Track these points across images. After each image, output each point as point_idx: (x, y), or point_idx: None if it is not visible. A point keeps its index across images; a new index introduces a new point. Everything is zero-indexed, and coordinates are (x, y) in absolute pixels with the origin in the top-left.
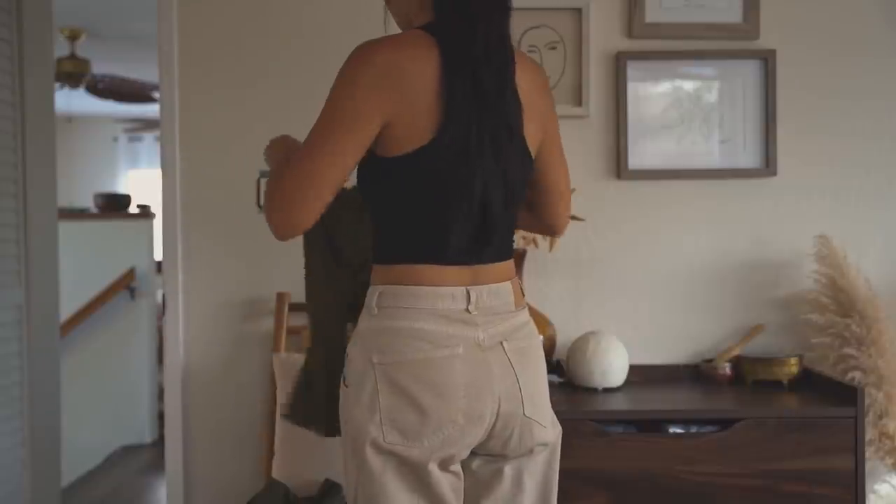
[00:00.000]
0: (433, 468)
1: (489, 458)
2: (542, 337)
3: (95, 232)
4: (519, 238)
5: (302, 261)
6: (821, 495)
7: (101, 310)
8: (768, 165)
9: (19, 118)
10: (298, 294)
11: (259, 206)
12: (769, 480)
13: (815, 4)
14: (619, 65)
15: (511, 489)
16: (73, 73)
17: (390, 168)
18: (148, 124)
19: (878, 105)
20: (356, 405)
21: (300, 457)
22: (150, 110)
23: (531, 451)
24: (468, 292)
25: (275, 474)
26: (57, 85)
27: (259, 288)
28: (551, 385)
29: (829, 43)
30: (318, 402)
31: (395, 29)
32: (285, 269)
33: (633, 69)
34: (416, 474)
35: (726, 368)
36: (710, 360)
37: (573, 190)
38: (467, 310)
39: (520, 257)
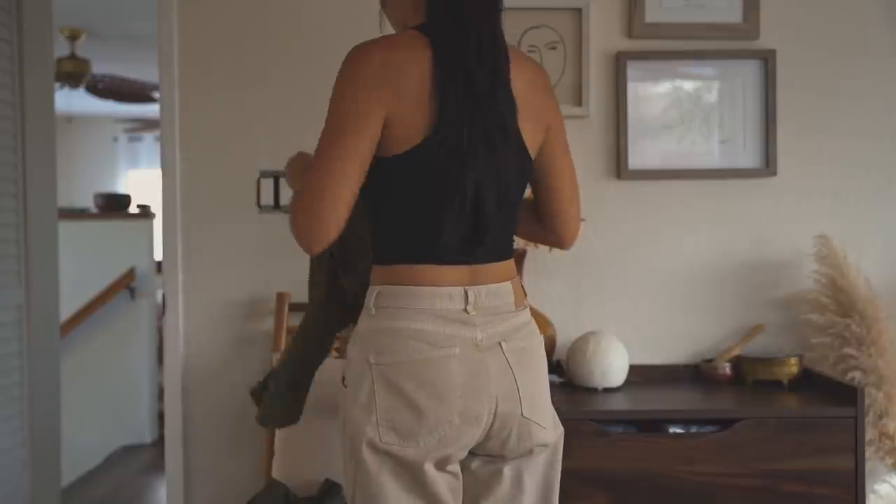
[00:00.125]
0: (429, 468)
1: (488, 458)
2: (542, 337)
3: (95, 232)
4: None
5: (303, 261)
6: (821, 495)
7: (101, 310)
8: (768, 165)
9: (19, 118)
10: (298, 294)
11: (259, 206)
12: (769, 480)
13: (815, 4)
14: (619, 65)
15: (511, 490)
16: (73, 73)
17: (388, 168)
18: (148, 124)
19: (878, 105)
20: (354, 405)
21: (300, 457)
22: (150, 110)
23: (531, 452)
24: (466, 292)
25: (275, 474)
26: (57, 85)
27: (259, 288)
28: (551, 385)
29: (829, 43)
30: (274, 400)
31: (391, 32)
32: (285, 269)
33: (633, 69)
34: (412, 474)
35: (726, 368)
36: (710, 360)
37: None
38: (465, 310)
39: (520, 257)
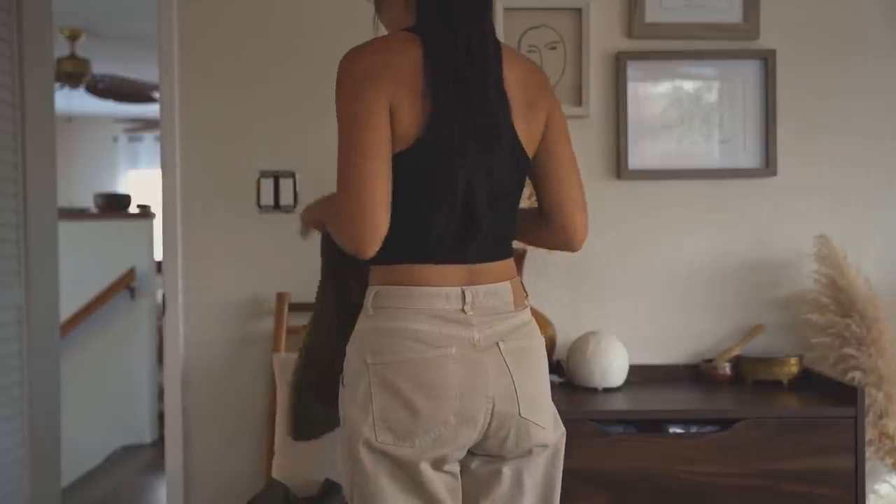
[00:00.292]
0: (425, 468)
1: (487, 458)
2: (543, 337)
3: (95, 232)
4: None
5: (303, 261)
6: (821, 495)
7: (101, 310)
8: (768, 165)
9: (19, 118)
10: (298, 294)
11: (259, 206)
12: (769, 480)
13: (815, 4)
14: (619, 65)
15: (510, 490)
16: (73, 73)
17: None
18: (148, 124)
19: (878, 105)
20: (351, 405)
21: (300, 457)
22: (150, 110)
23: (530, 452)
24: (464, 292)
25: (275, 474)
26: (57, 85)
27: (259, 288)
28: (551, 385)
29: (829, 43)
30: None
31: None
32: (285, 269)
33: (633, 69)
34: (408, 474)
35: (726, 368)
36: (710, 360)
37: None
38: (462, 310)
39: (520, 257)
